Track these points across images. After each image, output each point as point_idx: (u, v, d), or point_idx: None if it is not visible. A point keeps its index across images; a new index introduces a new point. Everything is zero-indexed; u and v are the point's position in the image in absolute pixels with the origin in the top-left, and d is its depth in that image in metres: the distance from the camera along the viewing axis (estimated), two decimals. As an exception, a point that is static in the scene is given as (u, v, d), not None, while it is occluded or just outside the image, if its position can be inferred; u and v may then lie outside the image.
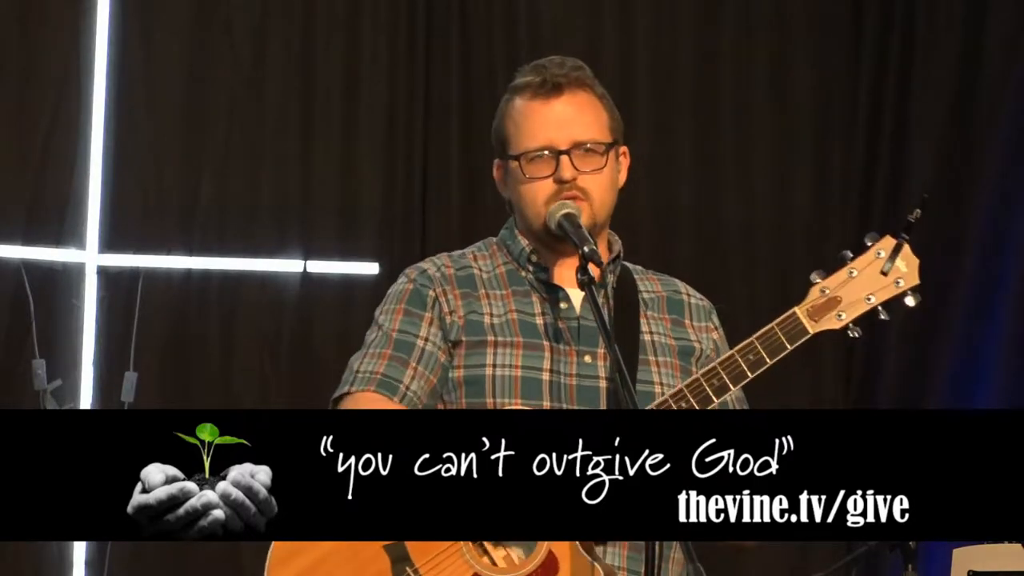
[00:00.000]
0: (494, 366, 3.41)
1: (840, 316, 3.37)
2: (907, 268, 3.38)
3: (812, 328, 3.36)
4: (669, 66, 6.50)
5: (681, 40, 6.52)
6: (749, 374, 3.32)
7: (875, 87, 6.56)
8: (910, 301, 3.38)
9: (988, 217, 6.41)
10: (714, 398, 3.31)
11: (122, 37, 6.07)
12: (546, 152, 3.46)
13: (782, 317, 3.35)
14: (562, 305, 3.48)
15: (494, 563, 3.24)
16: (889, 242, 3.38)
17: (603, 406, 3.39)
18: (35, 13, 5.99)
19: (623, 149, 3.55)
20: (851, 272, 3.38)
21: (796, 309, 3.36)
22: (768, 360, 3.32)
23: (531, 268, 3.51)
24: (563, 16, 6.43)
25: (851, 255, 3.38)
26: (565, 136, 3.47)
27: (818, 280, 3.37)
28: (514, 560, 3.24)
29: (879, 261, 3.38)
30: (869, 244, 3.39)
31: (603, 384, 3.42)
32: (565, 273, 3.49)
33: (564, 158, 3.46)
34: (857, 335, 3.37)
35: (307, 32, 6.24)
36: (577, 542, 3.22)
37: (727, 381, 3.32)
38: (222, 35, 6.18)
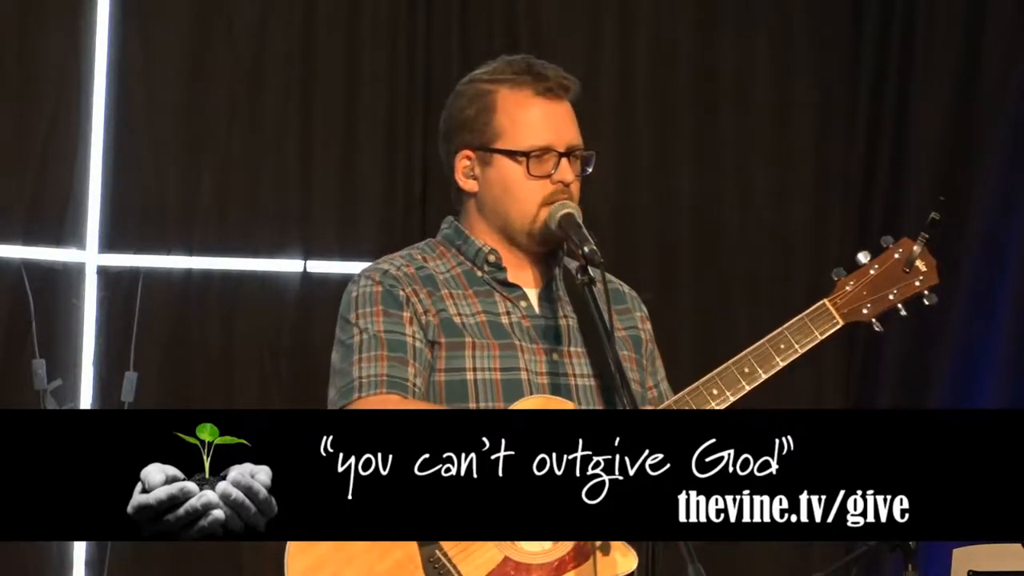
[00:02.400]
0: (474, 370, 3.41)
1: (865, 310, 3.42)
2: (926, 268, 3.50)
3: (842, 319, 3.42)
4: (669, 67, 6.49)
5: (681, 41, 6.51)
6: (780, 363, 3.37)
7: (875, 87, 6.56)
8: (928, 300, 3.50)
9: (988, 217, 6.40)
10: (745, 385, 3.35)
11: (122, 37, 6.06)
12: (547, 152, 3.47)
13: (811, 308, 3.44)
14: (522, 304, 3.49)
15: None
16: (907, 243, 3.49)
17: (575, 404, 3.39)
18: (35, 13, 5.97)
19: None
20: (873, 269, 3.45)
21: (825, 301, 3.45)
22: (798, 349, 3.39)
23: (487, 268, 3.51)
24: (563, 16, 6.42)
25: (870, 255, 3.47)
26: (564, 139, 3.49)
27: (842, 276, 3.45)
28: (546, 543, 3.24)
29: (899, 260, 3.46)
30: (886, 245, 3.49)
31: (573, 381, 3.44)
32: (522, 273, 3.51)
33: (565, 160, 3.47)
34: (880, 329, 3.44)
35: (307, 32, 6.22)
36: None
37: (757, 368, 3.36)
38: (222, 35, 6.17)
